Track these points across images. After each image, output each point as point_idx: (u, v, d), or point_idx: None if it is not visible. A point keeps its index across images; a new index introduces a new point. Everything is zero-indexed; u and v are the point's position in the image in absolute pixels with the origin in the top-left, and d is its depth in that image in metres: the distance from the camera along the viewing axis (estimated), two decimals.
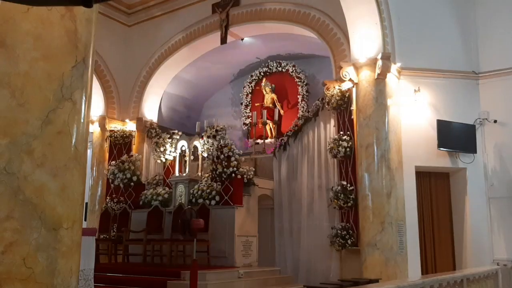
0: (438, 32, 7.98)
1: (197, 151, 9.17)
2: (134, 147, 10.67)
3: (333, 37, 8.27)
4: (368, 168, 7.07)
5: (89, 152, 9.96)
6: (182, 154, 8.92)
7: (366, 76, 7.35)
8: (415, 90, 7.63)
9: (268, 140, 10.53)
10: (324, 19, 8.41)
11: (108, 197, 9.88)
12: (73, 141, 2.59)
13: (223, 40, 9.82)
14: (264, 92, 11.22)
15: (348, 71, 7.49)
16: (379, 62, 7.18)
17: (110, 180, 9.81)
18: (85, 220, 10.11)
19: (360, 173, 7.18)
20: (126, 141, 10.61)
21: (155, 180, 9.76)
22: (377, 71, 7.20)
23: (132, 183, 9.56)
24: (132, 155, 10.07)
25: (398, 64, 7.56)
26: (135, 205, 9.15)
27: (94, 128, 10.65)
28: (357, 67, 7.45)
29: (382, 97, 7.24)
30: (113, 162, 9.96)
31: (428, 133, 7.60)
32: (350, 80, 7.51)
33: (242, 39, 10.25)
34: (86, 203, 10.31)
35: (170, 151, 9.94)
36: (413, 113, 7.65)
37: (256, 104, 11.30)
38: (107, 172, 10.02)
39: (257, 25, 9.51)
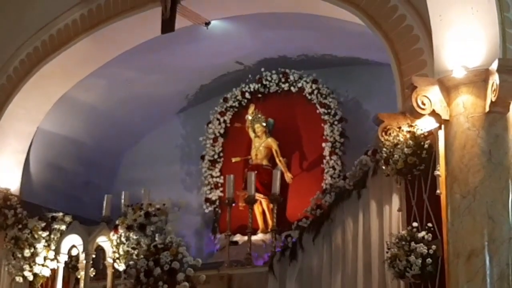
0: None
1: (105, 257, 9.34)
2: None
3: (397, 25, 8.61)
4: None
5: None
6: (72, 265, 9.05)
7: (468, 107, 7.47)
8: None
9: (257, 237, 10.71)
10: None
11: None
12: None
13: (167, 25, 10.11)
14: (252, 134, 11.46)
15: (430, 96, 7.63)
16: (495, 78, 7.27)
17: None
18: None
19: None
20: None
21: None
22: (490, 96, 7.30)
23: None
24: None
25: None
26: None
27: None
28: (447, 88, 7.62)
29: (501, 150, 7.35)
30: None
31: None
32: (434, 113, 7.66)
33: (207, 24, 10.57)
34: None
35: (45, 258, 9.90)
36: None
37: (233, 160, 11.54)
38: None
39: None
